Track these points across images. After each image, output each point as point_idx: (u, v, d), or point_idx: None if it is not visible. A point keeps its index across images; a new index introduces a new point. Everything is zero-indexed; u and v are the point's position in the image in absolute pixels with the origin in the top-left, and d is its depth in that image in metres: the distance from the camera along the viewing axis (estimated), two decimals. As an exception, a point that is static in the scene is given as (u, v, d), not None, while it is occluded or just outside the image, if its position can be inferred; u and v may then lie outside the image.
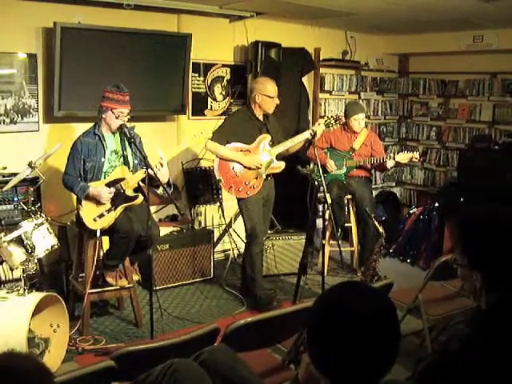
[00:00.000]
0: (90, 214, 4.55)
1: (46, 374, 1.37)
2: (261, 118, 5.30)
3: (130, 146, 4.62)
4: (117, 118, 4.53)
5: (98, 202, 4.53)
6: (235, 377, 2.52)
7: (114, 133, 4.64)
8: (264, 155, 5.24)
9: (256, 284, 5.37)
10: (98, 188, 4.50)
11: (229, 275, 6.14)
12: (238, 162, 5.23)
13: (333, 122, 5.26)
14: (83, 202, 4.55)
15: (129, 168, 4.66)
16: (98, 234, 4.55)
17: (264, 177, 5.28)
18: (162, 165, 4.41)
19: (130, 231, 4.51)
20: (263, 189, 5.31)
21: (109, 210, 4.55)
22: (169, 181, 4.58)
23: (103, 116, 4.58)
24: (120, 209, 4.56)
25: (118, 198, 4.56)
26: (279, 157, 5.31)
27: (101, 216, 4.54)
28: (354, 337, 1.47)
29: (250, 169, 5.23)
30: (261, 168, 5.22)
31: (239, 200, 5.34)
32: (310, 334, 1.58)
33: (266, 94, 5.19)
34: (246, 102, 6.85)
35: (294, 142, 5.24)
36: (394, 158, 6.03)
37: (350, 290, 1.60)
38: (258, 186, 5.26)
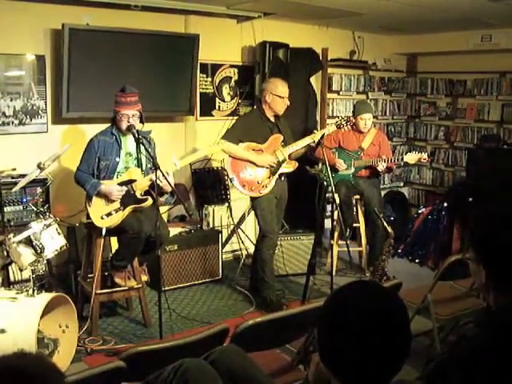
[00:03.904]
0: (98, 212, 4.56)
1: (57, 374, 1.37)
2: (272, 119, 5.30)
3: (138, 147, 4.64)
4: (121, 119, 4.55)
5: (107, 200, 4.57)
6: (246, 376, 2.51)
7: (127, 134, 4.66)
8: (277, 154, 5.24)
9: (267, 285, 5.35)
10: (109, 186, 4.53)
11: (238, 275, 6.14)
12: (250, 161, 5.22)
13: (344, 123, 5.28)
14: (93, 199, 4.56)
15: (141, 170, 4.68)
16: (104, 232, 4.56)
17: (277, 176, 5.27)
18: (166, 174, 4.40)
19: (140, 231, 4.51)
20: (276, 188, 5.30)
21: (117, 210, 4.57)
22: (173, 190, 4.56)
23: (115, 120, 4.63)
24: (128, 209, 4.57)
25: (128, 199, 4.58)
26: (292, 158, 5.32)
27: (108, 215, 4.56)
28: (365, 336, 1.46)
29: (262, 168, 5.23)
30: (274, 167, 5.22)
31: (252, 199, 5.35)
32: (320, 332, 1.57)
33: (277, 94, 5.18)
34: (253, 103, 6.88)
35: (305, 143, 5.23)
36: (402, 160, 6.06)
37: (362, 288, 1.60)
38: (270, 185, 5.25)
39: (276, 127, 5.32)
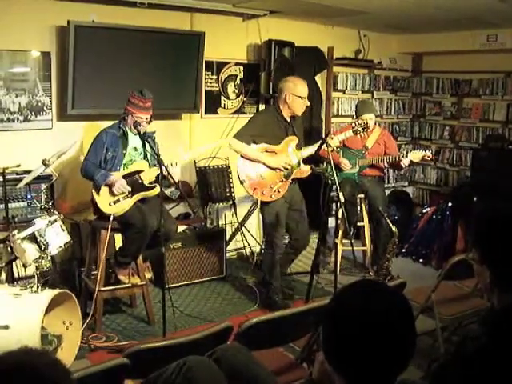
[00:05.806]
0: (106, 199, 4.62)
1: (63, 370, 1.37)
2: (288, 119, 5.15)
3: (143, 143, 4.69)
4: (135, 122, 4.58)
5: None
6: (249, 375, 2.51)
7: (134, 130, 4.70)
8: (292, 157, 5.10)
9: (272, 288, 5.31)
10: (116, 177, 4.58)
11: (242, 273, 6.14)
12: (263, 164, 5.08)
13: (361, 129, 5.08)
14: (102, 188, 4.59)
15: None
16: (112, 218, 4.57)
17: (290, 180, 5.14)
18: (174, 164, 4.45)
19: (145, 226, 4.53)
20: (287, 193, 5.15)
21: (125, 197, 4.62)
22: (176, 183, 4.56)
23: (125, 118, 4.66)
24: (136, 197, 4.63)
25: (136, 187, 4.64)
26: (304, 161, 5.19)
27: (116, 201, 4.62)
28: (370, 335, 1.46)
29: (276, 170, 5.10)
30: (289, 169, 5.09)
31: (262, 203, 5.19)
32: (325, 331, 1.57)
33: (297, 95, 5.03)
34: (258, 101, 6.88)
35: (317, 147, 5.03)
36: (407, 157, 6.04)
37: (366, 288, 1.60)
38: (283, 189, 5.11)
39: (291, 128, 5.18)
